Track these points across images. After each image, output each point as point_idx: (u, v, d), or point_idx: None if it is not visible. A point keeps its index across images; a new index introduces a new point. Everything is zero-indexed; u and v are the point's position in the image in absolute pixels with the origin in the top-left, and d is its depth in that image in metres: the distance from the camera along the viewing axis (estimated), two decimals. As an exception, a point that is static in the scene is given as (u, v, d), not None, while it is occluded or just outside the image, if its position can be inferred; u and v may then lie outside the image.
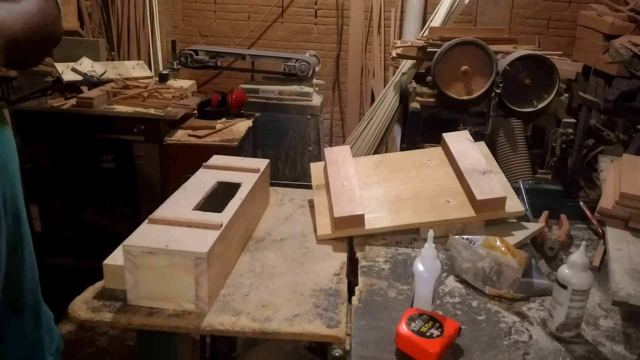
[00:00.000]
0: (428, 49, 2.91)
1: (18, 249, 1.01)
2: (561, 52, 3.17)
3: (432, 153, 1.56)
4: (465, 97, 2.79)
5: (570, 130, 2.71)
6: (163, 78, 2.81)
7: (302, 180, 2.60)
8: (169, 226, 1.07)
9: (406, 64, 3.37)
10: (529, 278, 1.14)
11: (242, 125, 2.59)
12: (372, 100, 4.17)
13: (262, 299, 1.08)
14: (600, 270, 1.25)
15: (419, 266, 1.01)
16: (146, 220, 1.09)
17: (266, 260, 1.23)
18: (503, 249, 1.13)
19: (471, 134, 1.57)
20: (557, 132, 2.74)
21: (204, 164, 1.43)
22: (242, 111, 2.73)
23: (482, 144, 1.56)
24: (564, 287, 0.97)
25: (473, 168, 1.41)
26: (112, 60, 3.76)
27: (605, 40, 3.65)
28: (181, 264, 0.98)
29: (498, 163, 1.54)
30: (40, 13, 0.89)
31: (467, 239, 1.20)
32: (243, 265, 1.21)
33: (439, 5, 3.51)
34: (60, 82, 2.54)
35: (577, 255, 0.97)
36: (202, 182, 1.31)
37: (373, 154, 3.52)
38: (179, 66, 3.08)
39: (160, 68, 3.95)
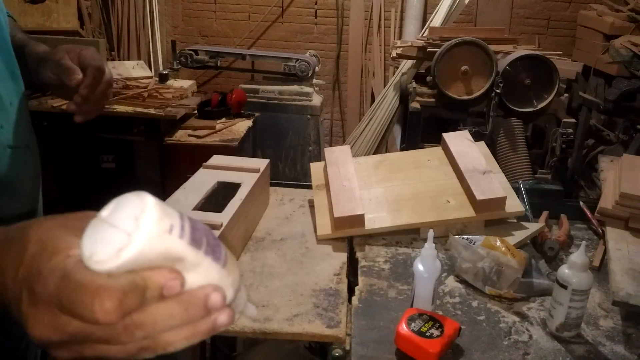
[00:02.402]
0: (428, 49, 2.91)
1: None
2: (561, 52, 3.17)
3: (432, 153, 1.56)
4: (465, 97, 2.79)
5: (570, 130, 2.71)
6: (163, 78, 2.81)
7: (302, 180, 2.60)
8: (169, 226, 1.07)
9: (406, 64, 3.37)
10: (529, 278, 1.14)
11: (242, 125, 2.60)
12: (372, 100, 4.17)
13: (262, 299, 1.08)
14: (600, 270, 1.25)
15: (419, 266, 1.01)
16: (146, 220, 1.09)
17: (266, 260, 1.23)
18: (503, 249, 1.13)
19: (471, 134, 1.56)
20: (557, 132, 2.74)
21: (204, 164, 1.43)
22: (242, 111, 2.73)
23: (482, 144, 1.56)
24: (564, 287, 0.97)
25: (473, 168, 1.41)
26: (112, 60, 3.76)
27: (605, 40, 3.65)
28: (181, 264, 0.98)
29: (498, 163, 1.53)
30: None
31: (467, 239, 1.20)
32: (243, 265, 1.21)
33: (439, 5, 3.51)
34: (61, 82, 2.53)
35: (577, 255, 0.97)
36: (202, 182, 1.31)
37: (373, 154, 3.52)
38: (179, 66, 3.08)
39: (160, 68, 3.95)
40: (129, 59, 3.91)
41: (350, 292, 1.14)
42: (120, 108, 2.40)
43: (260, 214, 1.46)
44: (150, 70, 3.23)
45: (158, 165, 2.42)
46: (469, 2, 3.53)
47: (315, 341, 1.27)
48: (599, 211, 1.38)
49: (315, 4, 4.39)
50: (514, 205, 1.37)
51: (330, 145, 3.80)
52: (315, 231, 1.37)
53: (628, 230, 1.32)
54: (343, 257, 1.26)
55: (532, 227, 1.36)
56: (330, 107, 4.58)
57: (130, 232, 0.38)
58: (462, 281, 1.18)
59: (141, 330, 0.40)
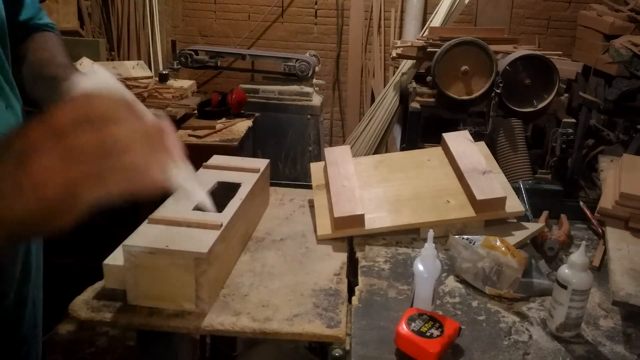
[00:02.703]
0: (428, 49, 2.91)
1: None
2: (561, 52, 3.17)
3: (432, 153, 1.56)
4: (465, 97, 2.79)
5: (570, 130, 2.71)
6: (163, 78, 2.81)
7: (302, 180, 2.60)
8: (169, 226, 1.07)
9: (406, 64, 3.37)
10: (529, 278, 1.14)
11: (242, 125, 2.59)
12: (372, 100, 4.17)
13: (262, 299, 1.08)
14: (600, 270, 1.25)
15: (419, 266, 1.01)
16: (146, 220, 1.09)
17: (266, 260, 1.23)
18: (503, 249, 1.13)
19: (471, 134, 1.56)
20: (557, 132, 2.74)
21: (204, 164, 1.43)
22: (242, 111, 2.73)
23: (482, 144, 1.56)
24: (564, 287, 0.97)
25: (473, 168, 1.41)
26: (112, 60, 3.76)
27: (605, 40, 3.65)
28: (181, 264, 0.98)
29: (498, 163, 1.54)
30: None
31: (467, 239, 1.20)
32: (243, 265, 1.21)
33: (439, 5, 3.51)
34: (60, 82, 2.53)
35: (577, 255, 0.97)
36: (202, 182, 1.30)
37: (373, 154, 3.52)
38: (179, 66, 3.08)
39: (160, 68, 3.95)
40: (129, 59, 3.91)
41: (350, 292, 1.14)
42: (120, 108, 2.40)
43: (260, 214, 1.46)
44: (150, 70, 3.23)
45: (158, 165, 2.42)
46: (469, 2, 3.53)
47: (315, 341, 1.27)
48: (599, 211, 1.38)
49: (315, 4, 4.40)
50: (514, 205, 1.37)
51: (330, 145, 3.80)
52: (315, 231, 1.37)
53: (628, 230, 1.32)
54: (343, 257, 1.26)
55: (532, 227, 1.36)
56: (330, 107, 4.58)
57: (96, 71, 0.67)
58: (462, 281, 1.18)
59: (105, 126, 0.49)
